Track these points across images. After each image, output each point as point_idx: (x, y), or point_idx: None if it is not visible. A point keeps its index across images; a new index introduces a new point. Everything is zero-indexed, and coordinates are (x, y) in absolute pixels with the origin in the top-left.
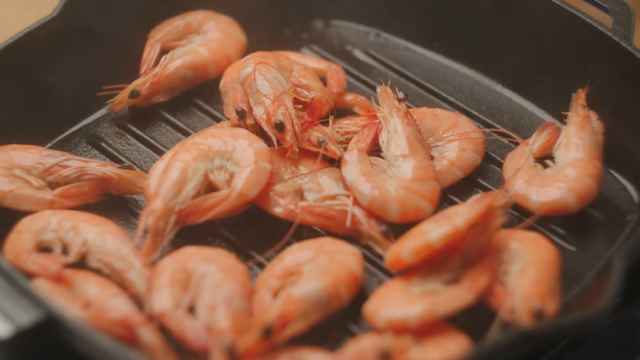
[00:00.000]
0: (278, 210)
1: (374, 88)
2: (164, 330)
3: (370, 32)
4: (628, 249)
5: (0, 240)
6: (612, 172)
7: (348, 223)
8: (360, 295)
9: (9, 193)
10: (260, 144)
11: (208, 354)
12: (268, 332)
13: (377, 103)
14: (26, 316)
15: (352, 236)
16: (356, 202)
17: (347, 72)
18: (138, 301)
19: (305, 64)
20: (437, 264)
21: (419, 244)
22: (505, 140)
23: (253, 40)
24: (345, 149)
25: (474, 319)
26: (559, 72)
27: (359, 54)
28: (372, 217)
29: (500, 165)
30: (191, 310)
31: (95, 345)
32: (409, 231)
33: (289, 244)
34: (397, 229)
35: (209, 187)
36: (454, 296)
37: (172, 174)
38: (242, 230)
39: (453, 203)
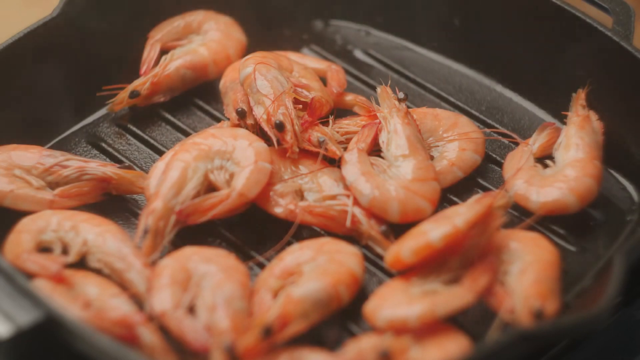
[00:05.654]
0: (278, 210)
1: (374, 88)
2: (164, 330)
3: (370, 32)
4: (628, 249)
5: (0, 240)
6: (612, 172)
7: (348, 223)
8: (360, 295)
9: (9, 193)
10: (260, 144)
11: (208, 354)
12: (268, 332)
13: (377, 103)
14: (26, 316)
15: (352, 236)
16: (356, 202)
17: (347, 72)
18: (138, 301)
19: (305, 64)
20: (437, 264)
21: (419, 244)
22: (505, 140)
23: (253, 40)
24: (345, 149)
25: (474, 319)
26: (559, 72)
27: (359, 54)
28: (372, 217)
29: (500, 165)
30: (191, 310)
31: (95, 345)
32: (409, 231)
33: (289, 244)
34: (397, 229)
35: (209, 187)
36: (454, 296)
37: (172, 174)
38: (242, 230)
39: (453, 203)
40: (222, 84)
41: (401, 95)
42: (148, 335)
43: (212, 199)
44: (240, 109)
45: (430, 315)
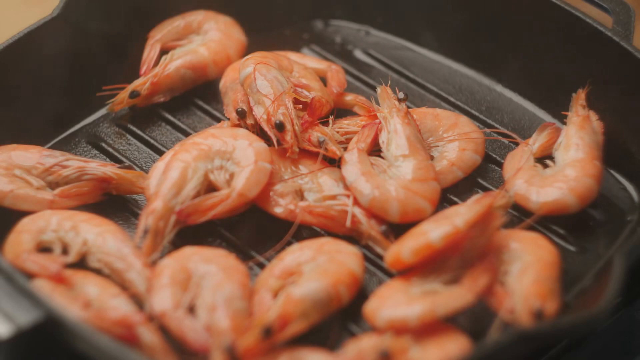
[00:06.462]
0: (278, 210)
1: (374, 88)
2: (164, 330)
3: (370, 32)
4: (628, 249)
5: (0, 240)
6: (612, 172)
7: (348, 223)
8: (360, 295)
9: (9, 193)
10: (260, 144)
11: (208, 354)
12: (268, 332)
13: (377, 103)
14: (26, 316)
15: (352, 236)
16: (356, 202)
17: (347, 72)
18: (138, 301)
19: (305, 64)
20: (437, 264)
21: (419, 244)
22: (505, 140)
23: (253, 40)
24: (345, 149)
25: (474, 319)
26: (559, 72)
27: (359, 54)
28: (372, 217)
29: (500, 165)
30: (191, 310)
31: (95, 345)
32: (409, 231)
33: (289, 244)
34: (397, 229)
35: (209, 187)
36: (454, 296)
37: (172, 174)
38: (242, 230)
39: (453, 203)
40: (222, 84)
41: (401, 95)
42: (148, 335)
43: (212, 199)
44: (240, 109)
45: (430, 315)
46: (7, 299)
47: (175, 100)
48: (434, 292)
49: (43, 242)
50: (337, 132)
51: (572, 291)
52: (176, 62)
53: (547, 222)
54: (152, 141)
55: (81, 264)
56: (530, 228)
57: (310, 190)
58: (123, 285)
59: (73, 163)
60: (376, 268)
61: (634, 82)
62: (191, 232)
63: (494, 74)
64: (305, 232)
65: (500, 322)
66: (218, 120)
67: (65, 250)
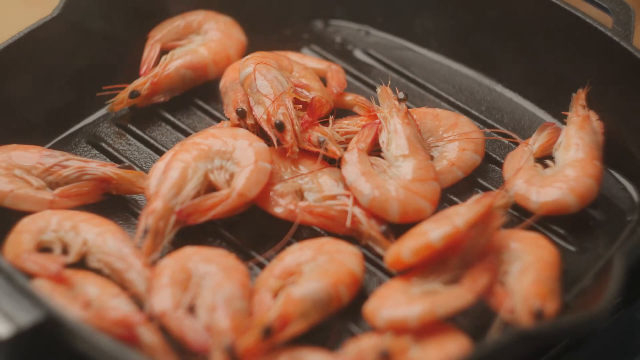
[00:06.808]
0: (278, 210)
1: (374, 88)
2: (164, 330)
3: (370, 32)
4: (628, 249)
5: (0, 240)
6: (612, 172)
7: (348, 223)
8: (360, 295)
9: (9, 193)
10: (260, 144)
11: (208, 354)
12: (268, 332)
13: (377, 103)
14: (26, 316)
15: (352, 236)
16: (356, 202)
17: (347, 72)
18: (138, 301)
19: (305, 64)
20: (437, 264)
21: (419, 244)
22: (505, 140)
23: (253, 40)
24: (345, 149)
25: (474, 319)
26: (559, 72)
27: (359, 54)
28: (372, 217)
29: (500, 165)
30: (191, 310)
31: (95, 345)
32: (409, 231)
33: (289, 244)
34: (397, 229)
35: (209, 187)
36: (454, 296)
37: (172, 174)
38: (242, 230)
39: (453, 203)
40: (222, 84)
41: (401, 95)
42: (148, 335)
43: (212, 199)
44: (240, 109)
45: (430, 315)
46: (7, 299)
47: (175, 100)
48: (434, 292)
49: (43, 242)
50: (337, 132)
51: (572, 291)
52: (176, 62)
53: (547, 222)
54: (152, 141)
55: (81, 264)
56: (530, 228)
57: (310, 190)
58: (123, 285)
59: (73, 163)
60: (376, 268)
61: (634, 82)
62: (191, 232)
63: (494, 74)
64: (305, 232)
65: (500, 322)
66: (218, 120)
67: (65, 250)
